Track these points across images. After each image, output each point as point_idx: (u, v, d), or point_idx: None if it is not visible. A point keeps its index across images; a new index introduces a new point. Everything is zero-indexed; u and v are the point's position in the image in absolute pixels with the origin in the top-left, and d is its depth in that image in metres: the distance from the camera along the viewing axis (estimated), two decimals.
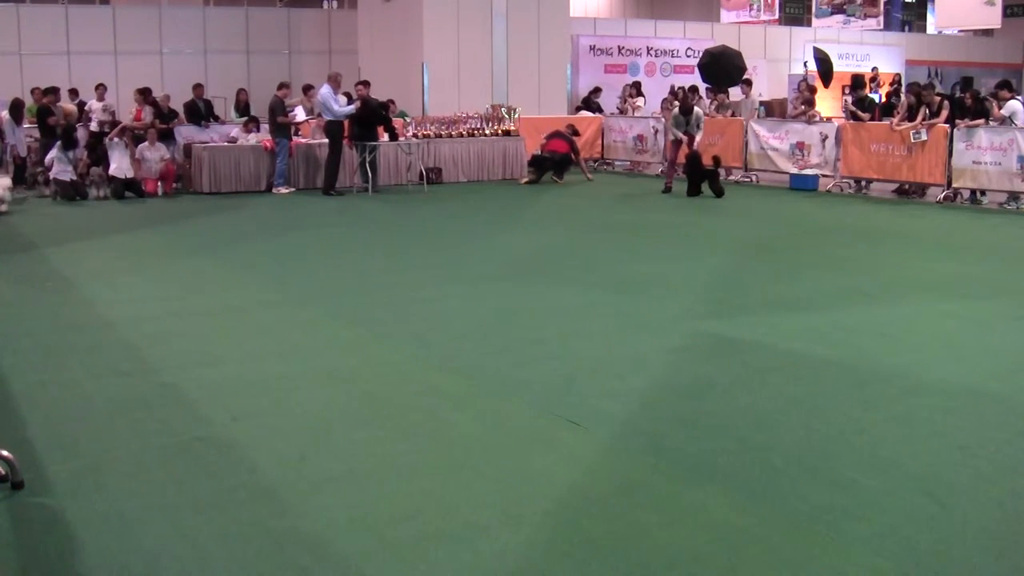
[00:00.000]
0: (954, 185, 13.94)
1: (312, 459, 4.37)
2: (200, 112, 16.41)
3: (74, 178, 14.27)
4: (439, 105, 17.87)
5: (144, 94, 15.93)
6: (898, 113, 14.68)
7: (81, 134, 14.97)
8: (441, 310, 7.35)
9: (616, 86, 21.51)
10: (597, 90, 20.99)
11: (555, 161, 16.66)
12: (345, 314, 7.26)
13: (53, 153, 14.18)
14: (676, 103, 16.34)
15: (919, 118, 14.17)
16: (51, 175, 14.27)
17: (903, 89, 17.02)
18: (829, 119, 17.07)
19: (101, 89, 16.19)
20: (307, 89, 16.71)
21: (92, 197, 14.26)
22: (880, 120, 15.58)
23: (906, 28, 33.07)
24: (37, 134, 15.43)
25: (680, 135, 15.04)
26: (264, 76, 19.66)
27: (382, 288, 8.18)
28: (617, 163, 19.68)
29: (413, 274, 8.78)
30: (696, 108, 15.28)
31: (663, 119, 18.12)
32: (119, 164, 14.28)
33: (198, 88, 16.67)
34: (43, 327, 6.82)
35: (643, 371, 5.72)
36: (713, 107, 18.28)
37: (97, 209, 13.46)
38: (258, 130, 15.76)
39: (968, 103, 14.60)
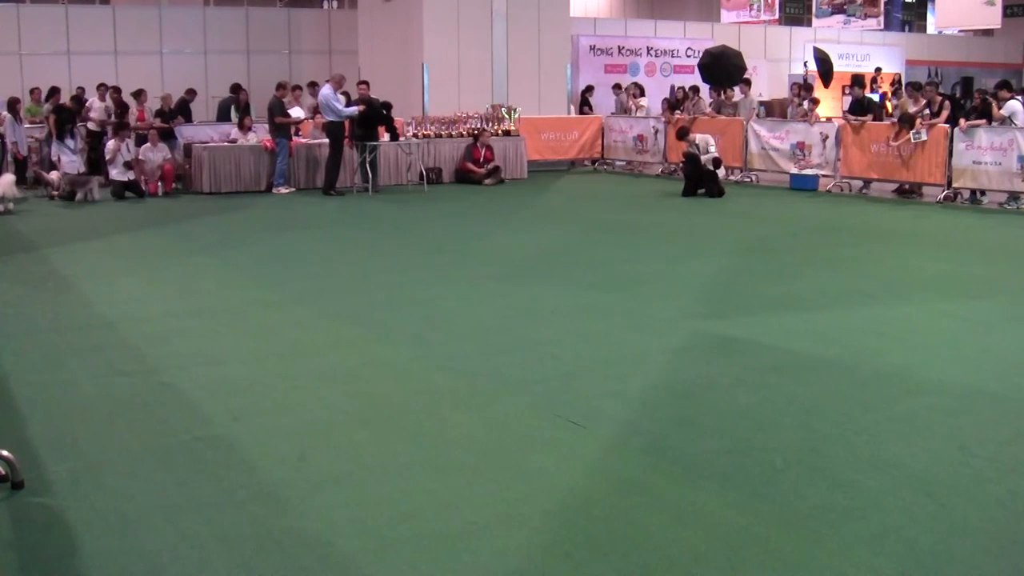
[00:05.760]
0: (954, 185, 13.93)
1: (312, 459, 4.37)
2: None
3: (82, 168, 14.24)
4: (439, 105, 17.86)
5: (137, 96, 16.03)
6: (894, 126, 14.61)
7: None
8: (441, 310, 7.35)
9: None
10: (590, 88, 21.09)
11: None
12: (345, 314, 7.26)
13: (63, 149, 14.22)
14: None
15: (917, 120, 14.18)
16: (62, 169, 14.18)
17: (902, 90, 16.99)
18: (829, 119, 17.06)
19: (103, 89, 16.20)
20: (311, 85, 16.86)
21: (77, 199, 13.79)
22: (881, 120, 15.57)
23: (906, 28, 33.06)
24: (37, 133, 15.46)
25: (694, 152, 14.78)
26: (264, 76, 19.64)
27: (382, 288, 8.17)
28: (617, 163, 19.67)
29: (413, 274, 8.78)
30: (701, 135, 14.95)
31: (664, 120, 18.14)
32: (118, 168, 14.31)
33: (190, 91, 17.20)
34: (43, 327, 6.83)
35: (643, 371, 5.72)
36: (713, 107, 18.28)
37: (97, 209, 13.45)
38: (251, 129, 15.72)
39: (976, 103, 14.59)
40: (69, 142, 14.30)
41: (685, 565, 3.38)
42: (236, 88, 17.67)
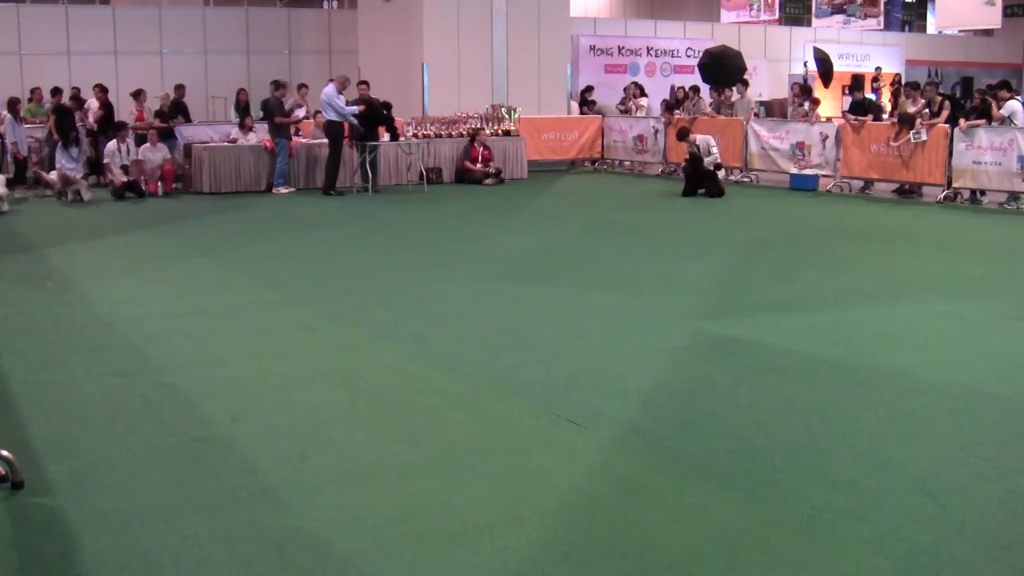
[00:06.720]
0: (954, 185, 13.93)
1: (312, 459, 4.37)
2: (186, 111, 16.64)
3: (81, 173, 14.27)
4: (439, 105, 17.87)
5: (137, 96, 16.03)
6: (894, 126, 14.61)
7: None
8: (441, 310, 7.35)
9: (616, 86, 21.50)
10: (589, 88, 21.10)
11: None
12: (345, 314, 7.26)
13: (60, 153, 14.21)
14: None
15: (917, 120, 14.18)
16: (62, 172, 14.19)
17: (902, 90, 17.00)
18: (829, 119, 17.06)
19: (98, 89, 16.19)
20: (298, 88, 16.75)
21: (71, 199, 13.83)
22: (881, 120, 15.57)
23: (906, 28, 33.06)
24: (38, 134, 15.45)
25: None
26: (264, 76, 19.59)
27: (382, 288, 8.17)
28: (617, 163, 19.67)
29: (413, 274, 8.78)
30: (702, 136, 14.94)
31: (664, 120, 18.14)
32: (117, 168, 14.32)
33: (180, 88, 17.01)
34: (43, 327, 6.82)
35: (643, 371, 5.72)
36: (713, 107, 18.28)
37: (97, 209, 13.45)
38: (253, 130, 15.70)
39: (976, 103, 14.60)
40: (73, 150, 14.28)
41: (685, 565, 3.38)
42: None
